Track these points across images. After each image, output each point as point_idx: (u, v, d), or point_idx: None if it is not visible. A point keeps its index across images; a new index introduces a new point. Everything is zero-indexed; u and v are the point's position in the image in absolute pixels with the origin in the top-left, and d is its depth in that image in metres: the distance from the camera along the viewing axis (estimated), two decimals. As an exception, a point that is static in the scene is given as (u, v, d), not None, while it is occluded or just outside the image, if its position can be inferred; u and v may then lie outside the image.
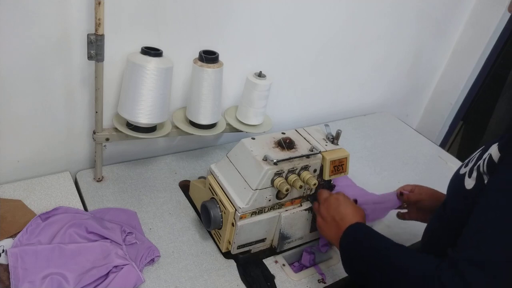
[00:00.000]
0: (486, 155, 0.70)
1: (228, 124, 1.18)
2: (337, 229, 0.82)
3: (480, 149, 0.77)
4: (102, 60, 0.89)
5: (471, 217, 0.64)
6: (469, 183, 0.72)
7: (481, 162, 0.70)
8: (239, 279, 0.91)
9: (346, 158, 0.94)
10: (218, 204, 0.91)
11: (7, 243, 0.84)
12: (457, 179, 0.77)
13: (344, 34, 1.42)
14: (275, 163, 0.85)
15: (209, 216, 0.91)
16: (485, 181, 0.68)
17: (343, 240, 0.80)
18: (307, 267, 0.98)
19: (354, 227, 0.80)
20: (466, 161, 0.79)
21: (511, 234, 0.59)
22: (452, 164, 1.50)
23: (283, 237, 0.95)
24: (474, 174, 0.71)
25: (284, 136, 0.94)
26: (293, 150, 0.90)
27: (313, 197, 0.97)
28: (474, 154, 0.78)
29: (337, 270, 0.98)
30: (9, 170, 1.02)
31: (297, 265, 1.00)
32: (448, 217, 0.79)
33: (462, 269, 0.59)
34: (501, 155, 0.66)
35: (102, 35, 0.87)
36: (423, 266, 0.65)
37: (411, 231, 1.12)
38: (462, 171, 0.77)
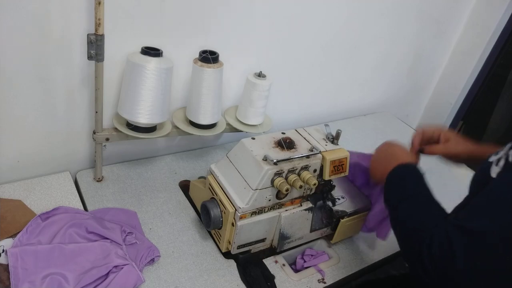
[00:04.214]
0: None
1: (228, 124, 1.18)
2: (389, 164, 0.84)
3: None
4: (102, 60, 0.89)
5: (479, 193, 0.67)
6: (494, 171, 0.72)
7: (511, 151, 0.70)
8: (239, 279, 0.91)
9: (346, 158, 0.94)
10: (218, 204, 0.91)
11: (7, 243, 0.84)
12: (484, 165, 0.76)
13: (344, 34, 1.42)
14: (275, 163, 0.85)
15: (209, 216, 0.91)
16: None
17: (393, 172, 0.83)
18: (307, 267, 0.98)
19: (407, 165, 0.83)
20: (498, 150, 0.79)
21: (504, 209, 0.62)
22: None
23: (283, 237, 0.95)
24: (502, 162, 0.71)
25: (284, 136, 0.94)
26: (293, 150, 0.90)
27: (313, 197, 0.97)
28: (507, 145, 0.78)
29: (337, 270, 0.98)
30: (9, 170, 1.02)
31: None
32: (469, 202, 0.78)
33: (450, 234, 0.63)
34: None
35: (102, 35, 0.87)
36: (432, 221, 0.69)
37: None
38: (491, 159, 0.75)
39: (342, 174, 0.95)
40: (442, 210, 0.74)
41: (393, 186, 0.82)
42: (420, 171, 0.83)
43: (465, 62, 1.82)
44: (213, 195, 0.94)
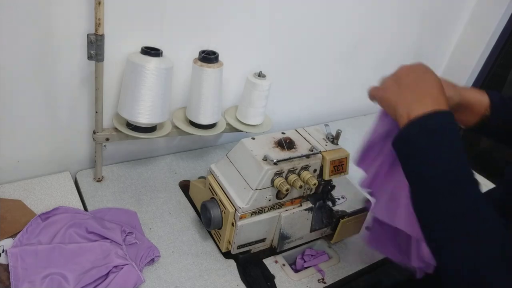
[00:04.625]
0: None
1: (228, 124, 1.18)
2: (415, 99, 0.63)
3: None
4: (102, 60, 0.89)
5: None
6: None
7: None
8: (239, 279, 0.91)
9: (346, 158, 0.94)
10: (218, 204, 0.91)
11: (7, 243, 0.84)
12: None
13: (344, 34, 1.42)
14: (275, 163, 0.85)
15: (209, 216, 0.91)
16: None
17: (419, 122, 0.60)
18: (307, 267, 0.98)
19: (444, 113, 0.60)
20: None
21: None
22: (452, 164, 1.49)
23: (283, 237, 0.95)
24: None
25: (284, 136, 0.94)
26: (293, 150, 0.90)
27: (313, 197, 0.97)
28: None
29: (337, 270, 0.98)
30: (9, 170, 1.02)
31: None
32: None
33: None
34: None
35: (102, 35, 0.87)
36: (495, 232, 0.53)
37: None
38: None
39: (342, 174, 0.95)
40: (496, 225, 0.53)
41: (416, 145, 0.60)
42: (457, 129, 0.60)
43: (465, 62, 1.82)
44: (213, 195, 0.94)
